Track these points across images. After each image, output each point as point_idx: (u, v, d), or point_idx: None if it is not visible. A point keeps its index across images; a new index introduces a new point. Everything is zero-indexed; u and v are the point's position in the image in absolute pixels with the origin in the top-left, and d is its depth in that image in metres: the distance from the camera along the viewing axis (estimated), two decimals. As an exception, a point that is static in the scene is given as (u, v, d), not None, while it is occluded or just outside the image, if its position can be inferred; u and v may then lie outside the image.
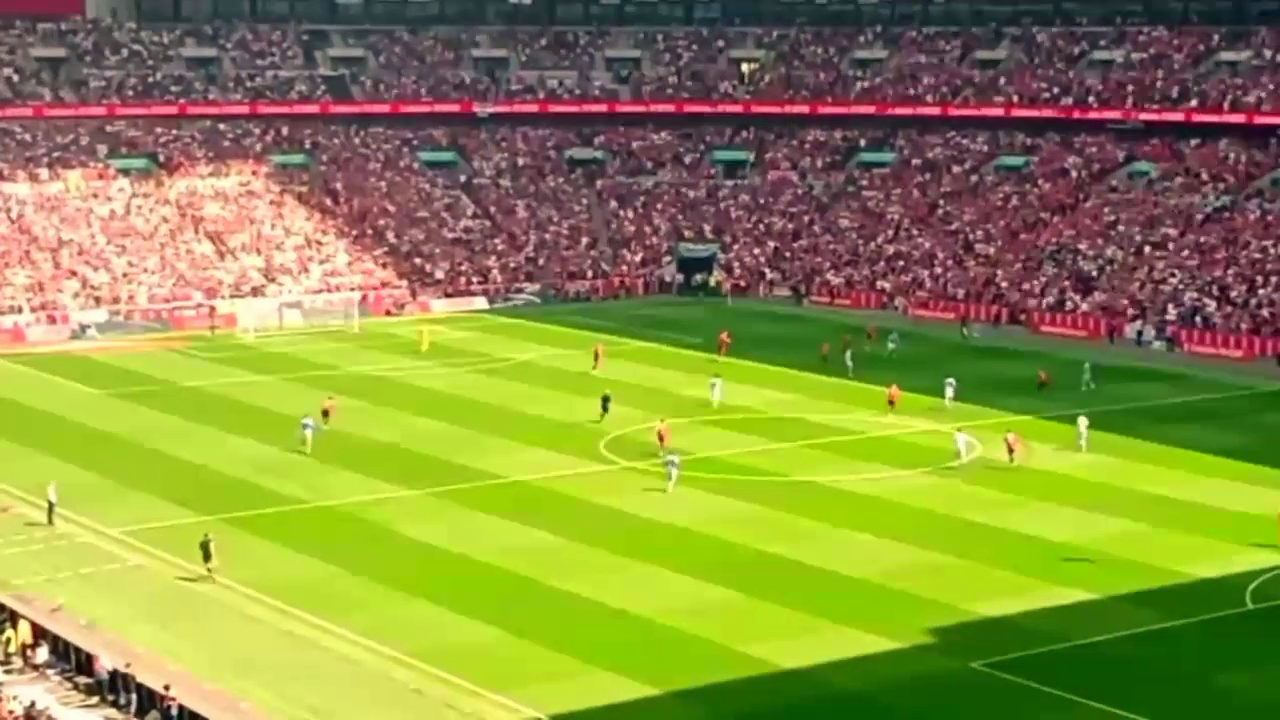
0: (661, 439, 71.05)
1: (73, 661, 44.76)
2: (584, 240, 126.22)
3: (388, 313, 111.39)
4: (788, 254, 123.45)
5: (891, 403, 79.39)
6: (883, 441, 73.73)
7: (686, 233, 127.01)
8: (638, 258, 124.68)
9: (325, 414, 75.72)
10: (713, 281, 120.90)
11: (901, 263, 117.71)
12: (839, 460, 70.13)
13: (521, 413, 79.60)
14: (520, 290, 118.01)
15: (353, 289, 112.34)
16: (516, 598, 52.41)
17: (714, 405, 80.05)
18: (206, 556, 53.97)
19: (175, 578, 54.58)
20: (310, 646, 48.20)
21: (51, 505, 60.18)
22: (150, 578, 54.45)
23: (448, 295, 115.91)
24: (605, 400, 77.96)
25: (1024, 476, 67.50)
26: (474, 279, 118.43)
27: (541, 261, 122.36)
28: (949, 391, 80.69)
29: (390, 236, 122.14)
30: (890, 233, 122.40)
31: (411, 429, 76.06)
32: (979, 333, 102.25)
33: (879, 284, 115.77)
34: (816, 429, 76.00)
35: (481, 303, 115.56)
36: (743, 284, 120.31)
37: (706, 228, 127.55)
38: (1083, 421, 72.46)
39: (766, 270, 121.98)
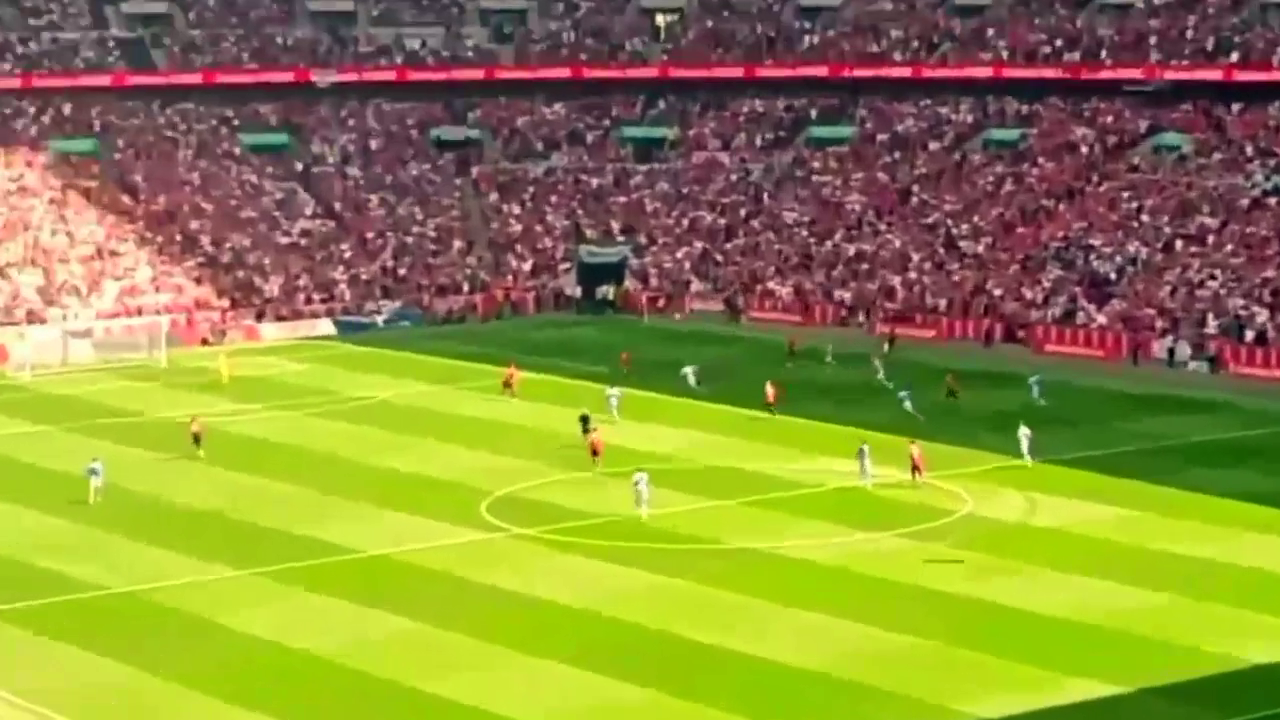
0: (596, 451, 75.71)
1: None
2: (457, 244, 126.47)
3: (204, 342, 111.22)
4: (719, 257, 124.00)
5: (770, 403, 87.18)
6: (844, 495, 73.96)
7: (589, 232, 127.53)
8: (527, 265, 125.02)
9: (196, 439, 79.61)
10: (611, 295, 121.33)
11: (865, 266, 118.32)
12: (788, 520, 70.31)
13: (379, 467, 79.61)
14: (376, 310, 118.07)
15: (158, 312, 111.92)
16: (374, 706, 52.33)
17: (616, 420, 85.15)
18: None
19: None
20: (108, 774, 48.06)
21: None
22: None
23: (282, 318, 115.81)
24: (584, 419, 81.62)
25: (1025, 537, 67.82)
26: (316, 296, 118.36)
27: (402, 272, 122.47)
28: (908, 405, 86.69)
29: (206, 244, 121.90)
30: (850, 229, 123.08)
31: (239, 490, 75.81)
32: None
33: (837, 294, 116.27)
34: (759, 481, 76.24)
35: (326, 326, 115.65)
36: (660, 300, 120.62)
37: (615, 225, 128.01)
38: (1024, 431, 77.27)
39: (692, 278, 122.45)
